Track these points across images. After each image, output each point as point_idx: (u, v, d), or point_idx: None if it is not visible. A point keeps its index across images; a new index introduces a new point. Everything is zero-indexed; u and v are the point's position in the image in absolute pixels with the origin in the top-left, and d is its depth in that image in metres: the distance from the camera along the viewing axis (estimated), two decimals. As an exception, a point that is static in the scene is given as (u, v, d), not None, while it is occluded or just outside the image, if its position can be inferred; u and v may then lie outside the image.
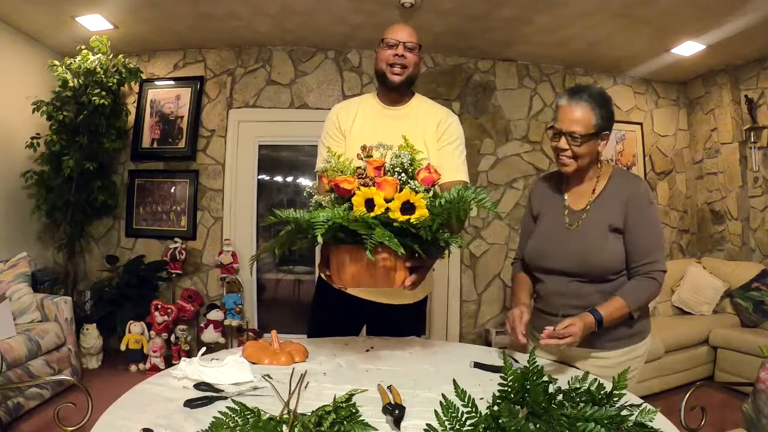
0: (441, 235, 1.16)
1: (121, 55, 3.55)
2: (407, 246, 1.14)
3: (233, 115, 3.88)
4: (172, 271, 3.72)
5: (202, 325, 3.58)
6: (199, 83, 3.90)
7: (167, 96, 3.93)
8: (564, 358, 1.45)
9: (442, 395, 0.90)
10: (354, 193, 1.16)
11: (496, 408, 0.84)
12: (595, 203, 1.43)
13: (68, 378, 2.57)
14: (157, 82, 3.95)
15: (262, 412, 0.88)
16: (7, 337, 2.58)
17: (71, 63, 3.39)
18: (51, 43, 3.67)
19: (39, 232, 3.73)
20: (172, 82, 3.94)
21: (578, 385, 0.90)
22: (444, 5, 3.09)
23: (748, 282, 3.52)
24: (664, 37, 3.47)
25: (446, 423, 0.85)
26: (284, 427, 0.85)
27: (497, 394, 0.88)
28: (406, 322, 1.72)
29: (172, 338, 3.49)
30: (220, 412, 0.87)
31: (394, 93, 1.65)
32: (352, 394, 0.96)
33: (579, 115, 1.35)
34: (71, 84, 3.35)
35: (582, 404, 0.85)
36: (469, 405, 0.85)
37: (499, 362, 1.32)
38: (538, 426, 0.81)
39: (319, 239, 1.08)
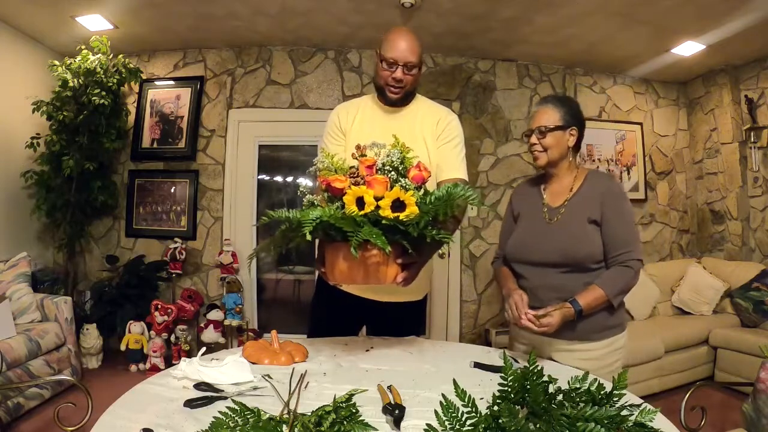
0: (428, 232, 1.19)
1: (121, 55, 3.55)
2: (397, 243, 1.17)
3: (233, 115, 3.88)
4: (172, 271, 3.72)
5: (202, 325, 3.58)
6: (199, 83, 3.90)
7: (167, 96, 3.94)
8: (549, 352, 1.50)
9: (442, 395, 0.90)
10: (346, 192, 1.18)
11: (496, 408, 0.84)
12: (572, 200, 1.53)
13: (68, 378, 2.57)
14: (157, 82, 3.95)
15: (262, 412, 0.88)
16: (7, 337, 2.58)
17: (71, 63, 3.39)
18: (51, 43, 3.67)
19: (39, 232, 3.73)
20: (172, 82, 3.94)
21: (578, 385, 0.90)
22: (444, 5, 3.09)
23: (748, 282, 3.52)
24: (664, 37, 3.47)
25: (446, 423, 0.85)
26: (284, 427, 0.85)
27: (497, 394, 0.88)
28: (405, 322, 1.72)
29: (172, 338, 3.49)
30: (220, 412, 0.87)
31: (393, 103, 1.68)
32: (352, 394, 0.96)
33: (544, 114, 1.54)
34: (71, 84, 3.35)
35: (582, 404, 0.85)
36: (469, 405, 0.85)
37: (499, 362, 1.32)
38: (538, 426, 0.81)
39: (308, 237, 1.10)
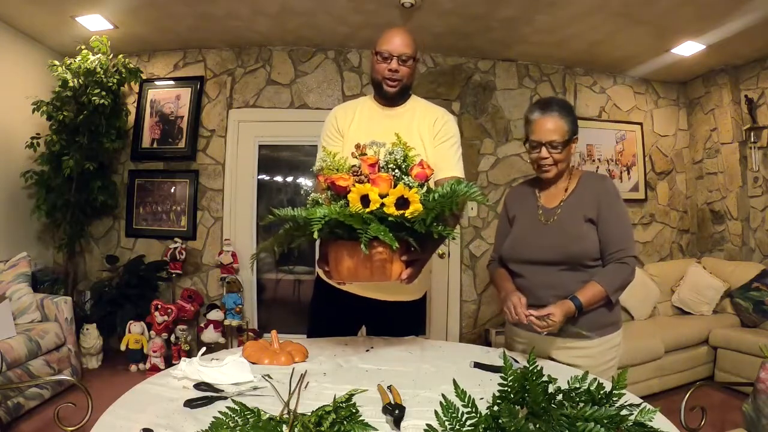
0: (435, 228, 1.20)
1: (121, 55, 3.55)
2: (402, 240, 1.18)
3: (233, 115, 3.88)
4: (172, 271, 3.72)
5: (202, 325, 3.58)
6: (199, 83, 3.90)
7: (167, 96, 3.94)
8: (548, 350, 1.51)
9: (442, 395, 0.90)
10: (350, 190, 1.18)
11: (496, 408, 0.84)
12: (567, 200, 1.55)
13: (68, 378, 2.57)
14: (157, 82, 3.95)
15: (262, 412, 0.88)
16: (7, 337, 2.58)
17: (71, 63, 3.39)
18: (51, 43, 3.67)
19: (39, 232, 3.73)
20: (172, 82, 3.94)
21: (578, 385, 0.90)
22: (444, 5, 3.09)
23: (748, 282, 3.52)
24: (664, 37, 3.47)
25: (446, 423, 0.85)
26: (284, 427, 0.85)
27: (497, 394, 0.88)
28: (405, 321, 1.73)
29: (172, 338, 3.49)
30: (220, 412, 0.87)
31: (391, 99, 1.68)
32: (352, 394, 0.96)
33: (553, 126, 1.49)
34: (71, 84, 3.35)
35: (582, 404, 0.85)
36: (469, 405, 0.86)
37: (499, 362, 1.32)
38: (538, 426, 0.81)
39: (315, 235, 1.11)
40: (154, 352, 3.40)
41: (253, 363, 1.28)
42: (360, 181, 1.20)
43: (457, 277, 3.90)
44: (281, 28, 3.55)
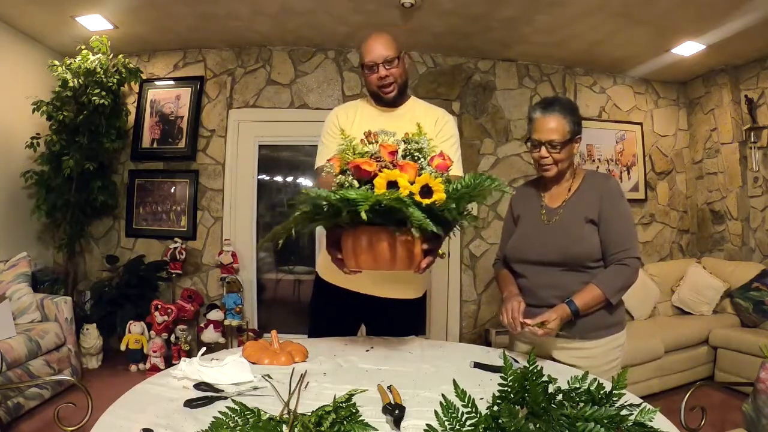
0: (463, 217, 1.21)
1: (121, 55, 3.55)
2: (422, 228, 1.14)
3: (233, 115, 3.88)
4: (172, 271, 3.72)
5: (202, 325, 3.58)
6: (199, 83, 3.90)
7: (167, 96, 3.94)
8: (549, 349, 1.51)
9: (442, 395, 0.90)
10: (375, 175, 1.15)
11: (496, 408, 0.84)
12: (570, 200, 1.55)
13: (68, 378, 2.57)
14: (157, 82, 3.95)
15: (262, 412, 0.88)
16: (7, 337, 2.58)
17: (71, 63, 3.39)
18: (51, 43, 3.67)
19: (39, 232, 3.73)
20: (172, 82, 3.94)
21: (578, 385, 0.90)
22: (444, 5, 3.09)
23: (748, 282, 3.52)
24: (664, 37, 3.47)
25: (446, 423, 0.85)
26: (284, 427, 0.85)
27: (497, 394, 0.88)
28: (405, 320, 1.73)
29: (172, 338, 3.49)
30: (220, 412, 0.87)
31: (392, 103, 1.69)
32: (352, 394, 0.96)
33: (554, 125, 1.48)
34: (71, 84, 3.35)
35: (582, 404, 0.85)
36: (469, 405, 0.85)
37: (499, 362, 1.32)
38: (538, 426, 0.81)
39: (363, 216, 1.06)
40: (154, 352, 3.40)
41: (253, 363, 1.28)
42: (385, 167, 1.17)
43: (457, 277, 3.90)
44: (281, 28, 3.55)
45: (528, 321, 1.38)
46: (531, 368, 0.89)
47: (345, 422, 0.88)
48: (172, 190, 3.90)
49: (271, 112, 3.88)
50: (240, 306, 3.60)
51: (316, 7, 3.19)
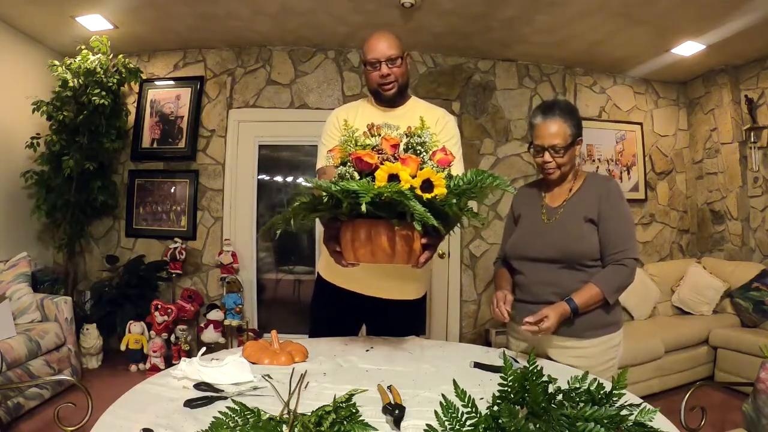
0: (466, 213, 1.21)
1: (121, 55, 3.55)
2: (428, 223, 1.14)
3: (233, 115, 3.88)
4: (172, 271, 3.72)
5: (202, 325, 3.58)
6: (199, 83, 3.90)
7: (167, 96, 3.93)
8: (545, 348, 1.52)
9: (442, 395, 0.90)
10: (376, 168, 1.15)
11: (496, 408, 0.84)
12: (570, 200, 1.57)
13: (68, 378, 2.57)
14: (157, 82, 3.95)
15: (262, 412, 0.88)
16: (7, 337, 2.58)
17: (71, 63, 3.39)
18: (51, 43, 3.67)
19: (39, 232, 3.73)
20: (172, 82, 3.94)
21: (578, 385, 0.90)
22: (444, 5, 3.09)
23: (748, 282, 3.52)
24: (664, 37, 3.47)
25: (446, 423, 0.85)
26: (284, 427, 0.85)
27: (497, 394, 0.88)
28: (405, 321, 1.73)
29: (172, 338, 3.49)
30: (220, 412, 0.87)
31: (391, 101, 1.69)
32: (352, 394, 0.96)
33: (555, 129, 1.51)
34: (71, 84, 3.35)
35: (582, 404, 0.85)
36: (469, 405, 0.85)
37: (499, 362, 1.32)
38: (538, 426, 0.81)
39: (364, 208, 1.06)
40: (154, 352, 3.39)
41: (253, 363, 1.28)
42: (387, 159, 1.16)
43: (457, 277, 3.90)
44: (281, 28, 3.55)
45: (528, 318, 1.39)
46: (531, 368, 0.89)
47: (345, 422, 0.88)
48: (172, 190, 3.90)
49: (271, 112, 3.87)
50: (240, 306, 3.60)
51: (316, 7, 3.19)
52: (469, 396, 0.87)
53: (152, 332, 3.46)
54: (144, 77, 3.83)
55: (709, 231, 4.32)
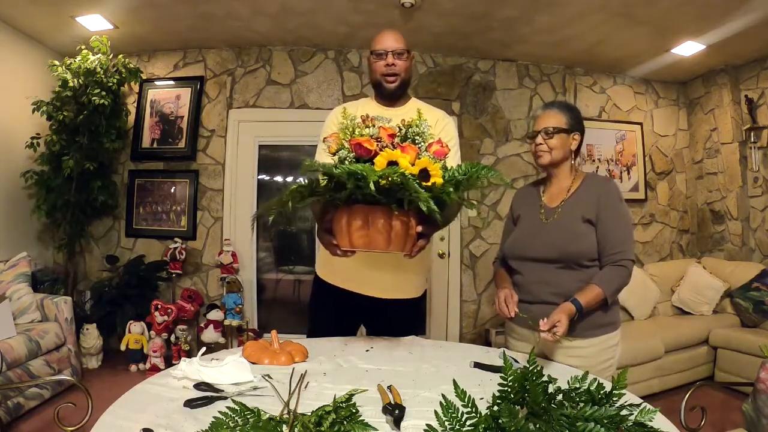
0: (463, 201, 1.23)
1: (121, 55, 3.55)
2: (420, 211, 1.14)
3: (233, 115, 3.88)
4: (172, 271, 3.72)
5: (202, 325, 3.58)
6: (199, 83, 3.90)
7: (167, 96, 3.93)
8: (543, 348, 1.51)
9: (442, 395, 0.90)
10: (376, 154, 1.16)
11: (496, 408, 0.84)
12: (568, 200, 1.58)
13: (68, 378, 2.57)
14: (157, 82, 3.95)
15: (262, 412, 0.88)
16: (7, 337, 2.58)
17: (71, 63, 3.39)
18: (51, 43, 3.67)
19: (39, 232, 3.73)
20: (172, 82, 3.94)
21: (578, 385, 0.90)
22: (444, 5, 3.09)
23: (748, 282, 3.52)
24: (664, 37, 3.47)
25: (446, 423, 0.85)
26: (284, 427, 0.85)
27: (497, 394, 0.88)
28: (405, 320, 1.73)
29: (172, 338, 3.49)
30: (220, 412, 0.87)
31: (392, 98, 1.71)
32: (352, 394, 0.96)
33: (550, 117, 1.59)
34: (71, 84, 3.35)
35: (582, 404, 0.85)
36: (469, 405, 0.85)
37: (499, 362, 1.32)
38: (538, 426, 0.81)
39: (371, 189, 1.06)
40: (154, 352, 3.39)
41: (253, 363, 1.28)
42: (386, 147, 1.17)
43: (457, 277, 3.90)
44: (281, 28, 3.55)
45: (542, 326, 1.34)
46: (531, 368, 0.89)
47: (345, 422, 0.88)
48: (172, 190, 3.90)
49: (271, 112, 3.87)
50: (240, 306, 3.60)
51: (316, 7, 3.19)
52: (469, 396, 0.87)
53: (152, 332, 3.46)
54: (144, 77, 3.83)
55: (709, 231, 4.32)
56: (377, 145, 1.17)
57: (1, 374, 2.38)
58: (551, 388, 0.88)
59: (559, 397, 0.88)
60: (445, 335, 3.86)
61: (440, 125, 1.66)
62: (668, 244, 4.38)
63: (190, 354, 3.34)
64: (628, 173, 4.27)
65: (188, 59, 3.94)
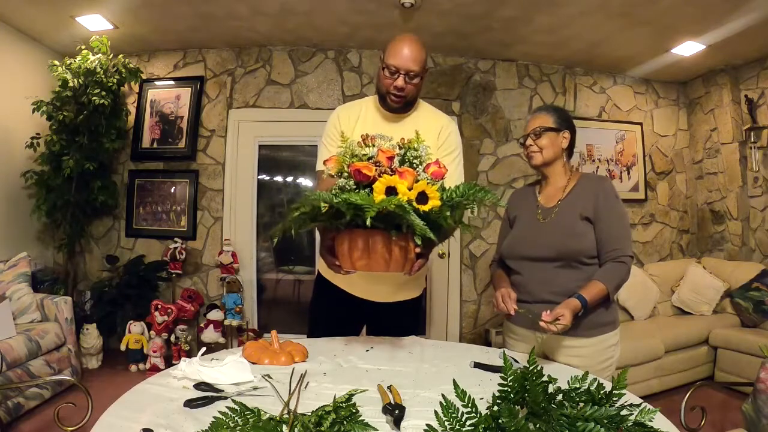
0: (460, 225, 1.25)
1: (121, 55, 3.55)
2: (426, 235, 1.16)
3: (233, 115, 3.88)
4: (172, 271, 3.72)
5: (202, 325, 3.58)
6: (199, 83, 3.90)
7: (167, 96, 3.94)
8: (540, 346, 1.52)
9: (442, 395, 0.90)
10: (374, 180, 1.17)
11: (496, 408, 0.84)
12: (565, 199, 1.59)
13: (68, 378, 2.57)
14: (157, 82, 3.95)
15: (262, 412, 0.88)
16: (7, 337, 2.58)
17: (71, 63, 3.39)
18: (51, 43, 3.67)
19: (39, 232, 3.73)
20: (172, 82, 3.94)
21: (578, 385, 0.90)
22: (444, 5, 3.09)
23: (748, 282, 3.52)
24: (664, 37, 3.47)
25: (446, 423, 0.85)
26: (284, 427, 0.85)
27: (497, 394, 0.88)
28: (405, 320, 1.74)
29: (172, 338, 3.49)
30: (220, 412, 0.87)
31: (395, 111, 1.68)
32: (352, 394, 0.96)
33: (537, 119, 1.63)
34: (71, 84, 3.35)
35: (582, 404, 0.85)
36: (469, 405, 0.85)
37: (499, 362, 1.32)
38: (538, 426, 0.81)
39: (368, 222, 1.08)
40: (154, 352, 3.39)
41: (253, 363, 1.28)
42: (384, 172, 1.19)
43: (457, 277, 3.90)
44: (281, 28, 3.55)
45: (545, 317, 1.36)
46: (531, 368, 0.89)
47: (345, 422, 0.88)
48: (172, 190, 3.90)
49: (271, 112, 3.88)
50: (240, 306, 3.60)
51: (316, 7, 3.19)
52: (469, 396, 0.87)
53: (152, 332, 3.46)
54: (144, 77, 3.83)
55: (709, 231, 4.32)
56: (376, 170, 1.19)
57: (1, 374, 2.38)
58: (551, 388, 0.88)
59: (559, 397, 0.88)
60: (445, 335, 3.86)
61: (444, 135, 1.64)
62: (668, 244, 4.38)
63: (190, 354, 3.34)
64: (628, 173, 4.27)
65: (188, 59, 3.94)
